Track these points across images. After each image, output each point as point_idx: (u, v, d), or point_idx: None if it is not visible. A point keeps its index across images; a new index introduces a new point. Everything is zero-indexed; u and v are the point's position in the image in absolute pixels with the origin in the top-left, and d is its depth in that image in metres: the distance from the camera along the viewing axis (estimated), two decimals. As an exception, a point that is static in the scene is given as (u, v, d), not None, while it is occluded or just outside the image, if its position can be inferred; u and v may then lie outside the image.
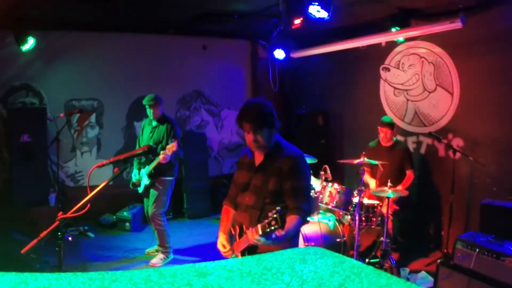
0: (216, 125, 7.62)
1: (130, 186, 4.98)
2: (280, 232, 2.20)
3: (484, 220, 4.10)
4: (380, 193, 4.38)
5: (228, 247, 2.59)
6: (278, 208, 2.21)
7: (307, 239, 4.29)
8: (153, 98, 4.82)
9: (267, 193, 2.52)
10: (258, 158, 2.65)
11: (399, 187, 4.67)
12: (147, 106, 4.84)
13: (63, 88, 6.33)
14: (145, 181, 4.77)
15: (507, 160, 4.50)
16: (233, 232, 2.68)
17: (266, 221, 2.22)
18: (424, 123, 5.45)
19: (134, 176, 4.91)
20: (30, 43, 5.55)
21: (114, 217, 6.23)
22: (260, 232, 2.24)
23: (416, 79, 5.52)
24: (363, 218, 4.40)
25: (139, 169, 4.87)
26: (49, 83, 6.23)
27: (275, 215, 2.19)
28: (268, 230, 2.20)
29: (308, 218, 4.49)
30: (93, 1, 4.90)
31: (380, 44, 5.74)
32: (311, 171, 3.06)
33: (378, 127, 4.98)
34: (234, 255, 2.57)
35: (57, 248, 2.00)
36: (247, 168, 2.71)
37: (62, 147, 5.99)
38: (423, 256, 4.99)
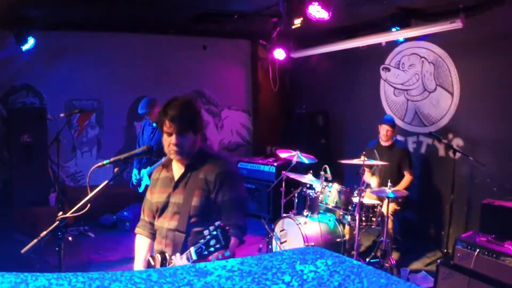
0: (216, 125, 7.62)
1: (131, 186, 4.98)
2: (223, 254, 1.73)
3: (484, 220, 4.11)
4: (380, 193, 4.38)
5: None
6: (218, 222, 1.77)
7: (307, 239, 4.29)
8: (146, 105, 4.65)
9: (192, 211, 2.08)
10: (177, 170, 2.21)
11: (397, 187, 4.68)
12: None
13: (63, 88, 6.33)
14: (147, 181, 4.76)
15: (507, 160, 4.50)
16: (152, 263, 2.14)
17: (203, 241, 1.76)
18: (424, 123, 5.45)
19: (134, 177, 4.91)
20: (30, 43, 5.56)
21: (114, 217, 6.24)
22: (195, 257, 1.79)
23: (416, 79, 5.52)
24: (363, 218, 4.40)
25: (139, 169, 4.86)
26: (49, 83, 6.23)
27: (214, 232, 1.74)
28: (206, 252, 1.74)
29: (308, 219, 4.53)
30: (93, 1, 4.90)
31: (380, 44, 5.73)
32: (243, 180, 2.54)
33: (379, 125, 4.97)
34: None
35: (57, 248, 2.00)
36: (163, 184, 2.25)
37: (62, 147, 5.98)
38: (423, 256, 4.99)
